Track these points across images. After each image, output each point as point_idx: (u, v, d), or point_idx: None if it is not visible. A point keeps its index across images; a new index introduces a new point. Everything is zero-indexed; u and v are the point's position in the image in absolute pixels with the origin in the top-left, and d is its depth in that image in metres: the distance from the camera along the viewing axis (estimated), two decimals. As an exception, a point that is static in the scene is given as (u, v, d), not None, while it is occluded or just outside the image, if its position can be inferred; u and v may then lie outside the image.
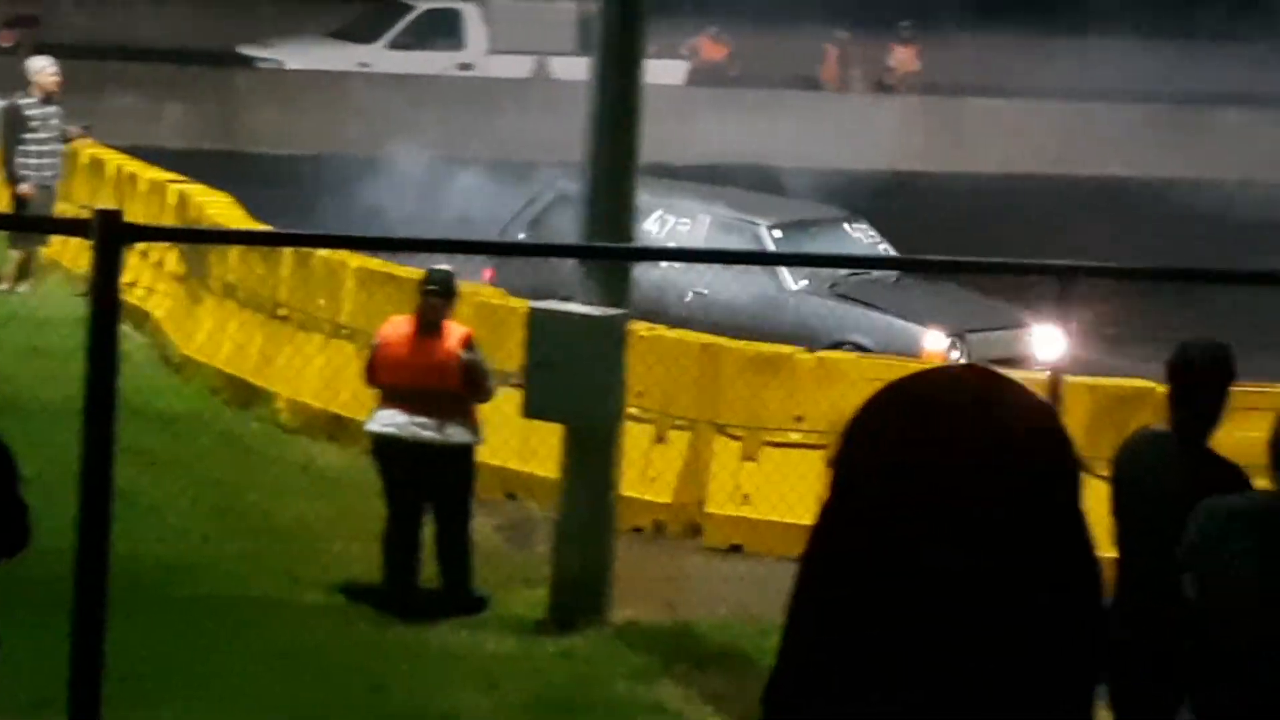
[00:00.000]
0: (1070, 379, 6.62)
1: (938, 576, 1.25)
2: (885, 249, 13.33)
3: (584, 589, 8.26)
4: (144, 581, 7.28)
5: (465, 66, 23.54)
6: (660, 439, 9.87)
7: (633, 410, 9.00)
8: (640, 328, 9.13)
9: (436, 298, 8.14)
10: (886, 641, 1.26)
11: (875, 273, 13.61)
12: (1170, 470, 5.03)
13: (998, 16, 25.66)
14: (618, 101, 8.63)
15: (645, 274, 10.35)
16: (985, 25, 25.93)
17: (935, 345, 12.36)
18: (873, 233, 13.59)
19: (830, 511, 1.31)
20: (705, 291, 12.70)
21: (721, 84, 24.69)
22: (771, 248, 13.09)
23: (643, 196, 9.42)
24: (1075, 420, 7.68)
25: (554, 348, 8.09)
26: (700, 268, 12.56)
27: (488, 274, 12.16)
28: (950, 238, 13.91)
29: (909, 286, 13.32)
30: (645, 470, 9.66)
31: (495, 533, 9.06)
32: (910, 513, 1.26)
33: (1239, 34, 25.71)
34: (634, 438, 9.13)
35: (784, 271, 12.82)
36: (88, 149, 14.68)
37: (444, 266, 8.47)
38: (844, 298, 12.89)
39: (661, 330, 10.22)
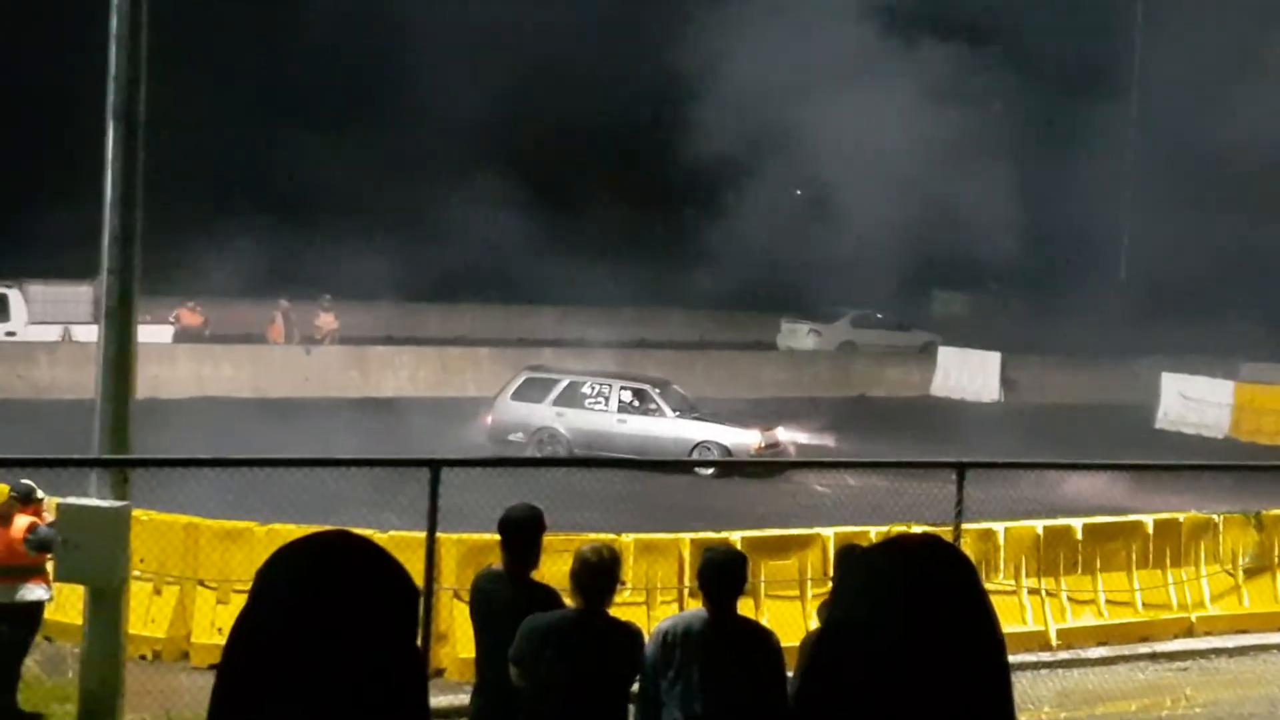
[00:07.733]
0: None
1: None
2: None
3: (103, 703, 10.39)
4: None
5: (10, 334, 28.81)
6: (157, 591, 12.66)
7: (136, 572, 11.18)
8: (138, 513, 11.59)
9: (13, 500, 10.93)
10: None
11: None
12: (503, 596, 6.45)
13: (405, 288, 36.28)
14: (120, 354, 10.82)
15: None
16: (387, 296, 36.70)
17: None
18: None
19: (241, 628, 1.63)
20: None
21: (198, 341, 31.42)
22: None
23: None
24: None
25: (78, 531, 10.07)
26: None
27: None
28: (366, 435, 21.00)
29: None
30: (147, 613, 12.42)
31: (35, 665, 11.56)
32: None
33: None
34: (136, 592, 11.53)
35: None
36: None
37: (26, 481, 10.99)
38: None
39: (153, 514, 12.45)
